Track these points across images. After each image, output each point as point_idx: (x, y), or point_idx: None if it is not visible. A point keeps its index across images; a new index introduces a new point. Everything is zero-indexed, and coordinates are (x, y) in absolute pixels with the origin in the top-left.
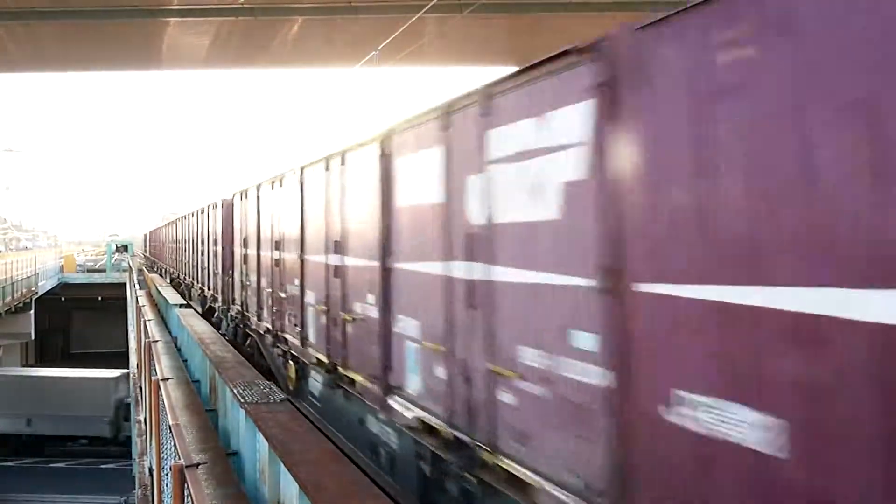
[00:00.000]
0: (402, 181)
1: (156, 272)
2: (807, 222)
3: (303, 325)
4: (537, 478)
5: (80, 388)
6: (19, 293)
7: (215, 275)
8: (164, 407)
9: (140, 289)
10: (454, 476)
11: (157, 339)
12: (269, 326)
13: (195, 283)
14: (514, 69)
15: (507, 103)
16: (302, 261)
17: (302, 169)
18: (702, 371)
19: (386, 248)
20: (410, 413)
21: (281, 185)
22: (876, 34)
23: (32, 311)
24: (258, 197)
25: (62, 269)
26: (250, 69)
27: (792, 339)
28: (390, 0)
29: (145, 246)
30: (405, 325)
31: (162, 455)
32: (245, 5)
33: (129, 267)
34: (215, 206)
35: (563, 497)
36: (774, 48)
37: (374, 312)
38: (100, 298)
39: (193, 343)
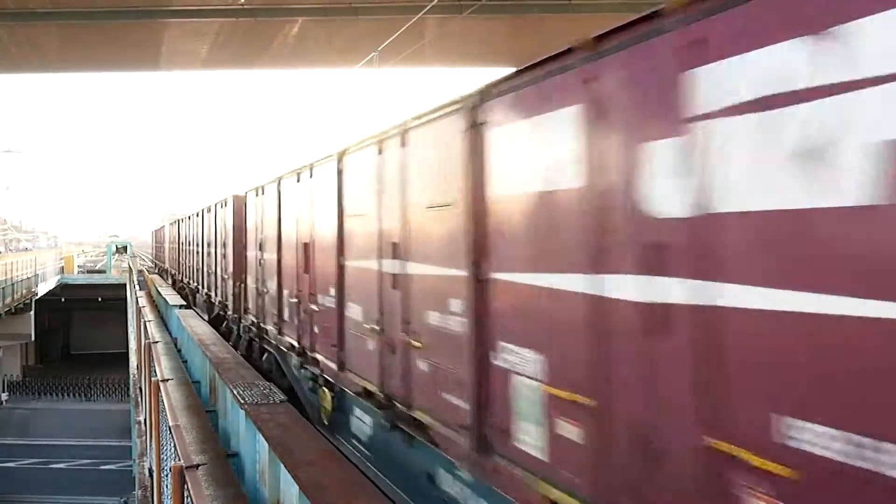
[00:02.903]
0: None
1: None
2: None
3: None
4: None
5: None
6: (19, 294)
7: None
8: (164, 408)
9: (140, 290)
10: None
11: (157, 339)
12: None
13: None
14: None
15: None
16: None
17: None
18: None
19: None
20: None
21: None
22: None
23: (32, 312)
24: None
25: (62, 269)
26: (250, 70)
27: None
28: (390, 1)
29: (153, 250)
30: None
31: (162, 456)
32: (245, 6)
33: (130, 268)
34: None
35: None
36: None
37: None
38: (100, 299)
39: (193, 344)
